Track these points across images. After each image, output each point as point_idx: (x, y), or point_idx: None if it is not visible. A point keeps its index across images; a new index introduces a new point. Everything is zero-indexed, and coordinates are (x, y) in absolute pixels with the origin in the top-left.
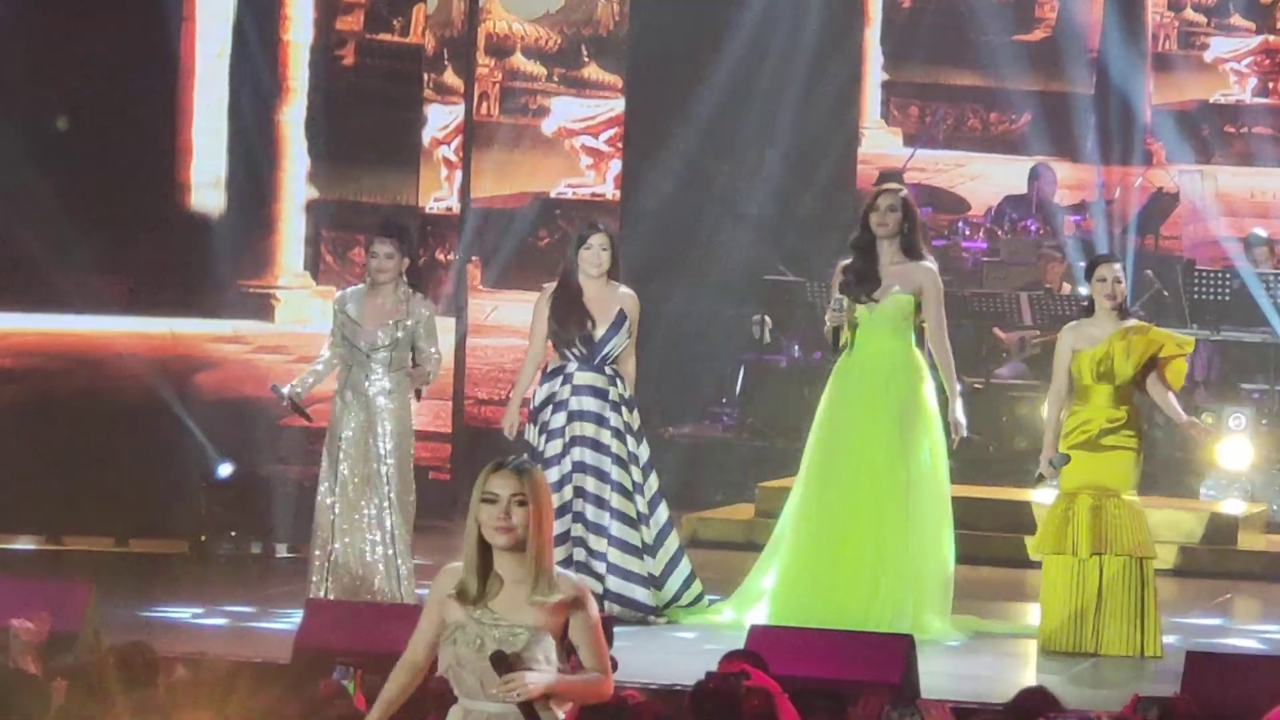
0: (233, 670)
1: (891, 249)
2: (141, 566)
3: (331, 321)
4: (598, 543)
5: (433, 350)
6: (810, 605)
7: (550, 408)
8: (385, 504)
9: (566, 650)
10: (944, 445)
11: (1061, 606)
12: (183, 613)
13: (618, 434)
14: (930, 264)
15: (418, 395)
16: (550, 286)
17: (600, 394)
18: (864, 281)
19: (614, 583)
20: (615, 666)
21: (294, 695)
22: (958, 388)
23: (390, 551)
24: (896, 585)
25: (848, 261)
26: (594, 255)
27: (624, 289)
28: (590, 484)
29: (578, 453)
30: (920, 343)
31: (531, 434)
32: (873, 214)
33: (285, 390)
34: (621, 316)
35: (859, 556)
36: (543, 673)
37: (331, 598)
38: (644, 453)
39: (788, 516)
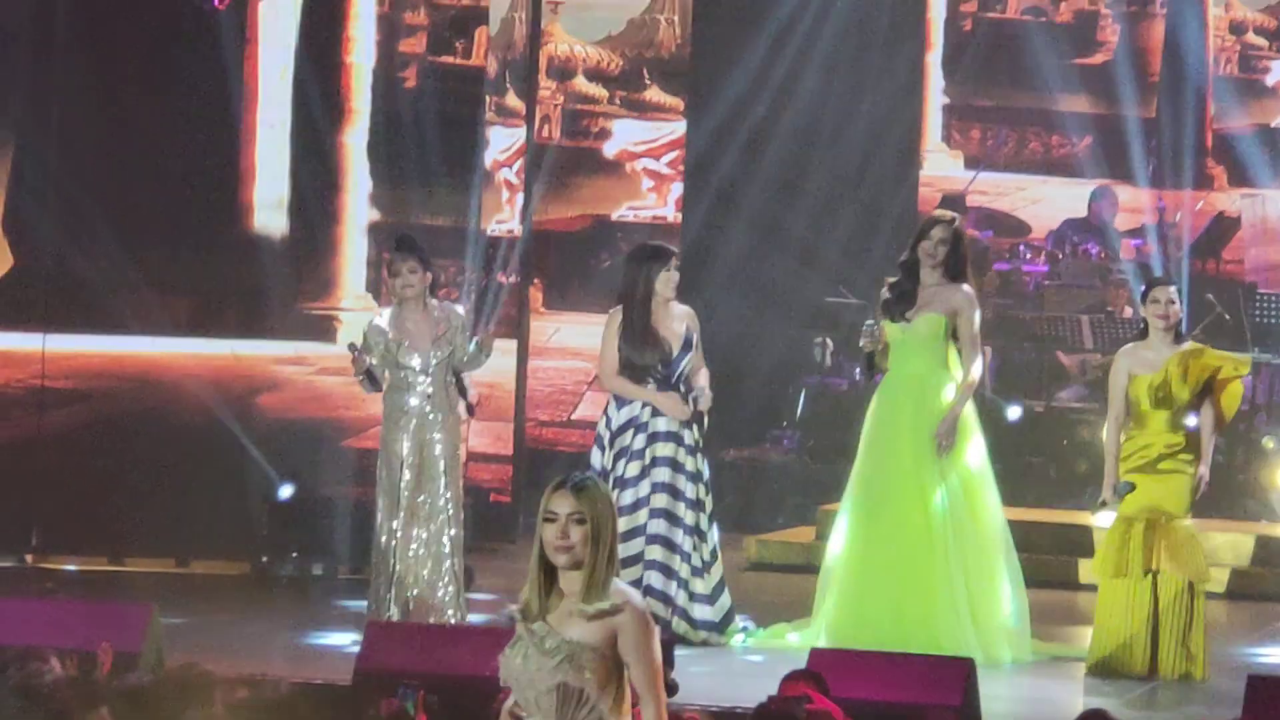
0: (293, 691)
1: (935, 274)
2: (203, 587)
3: (368, 350)
4: (674, 562)
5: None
6: (863, 631)
7: (632, 430)
8: (443, 521)
9: (624, 668)
10: (987, 465)
11: (1116, 628)
12: (244, 634)
13: (692, 451)
14: (968, 288)
15: (470, 411)
16: (616, 311)
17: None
18: (902, 300)
19: (688, 603)
20: (675, 689)
21: (355, 716)
22: (960, 408)
23: (450, 566)
24: (949, 609)
25: (894, 280)
26: (672, 276)
27: (681, 306)
28: (668, 503)
29: (658, 473)
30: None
31: (600, 457)
32: (924, 242)
33: (364, 357)
34: (689, 335)
35: (908, 582)
36: None
37: (393, 618)
38: (706, 470)
39: (836, 543)
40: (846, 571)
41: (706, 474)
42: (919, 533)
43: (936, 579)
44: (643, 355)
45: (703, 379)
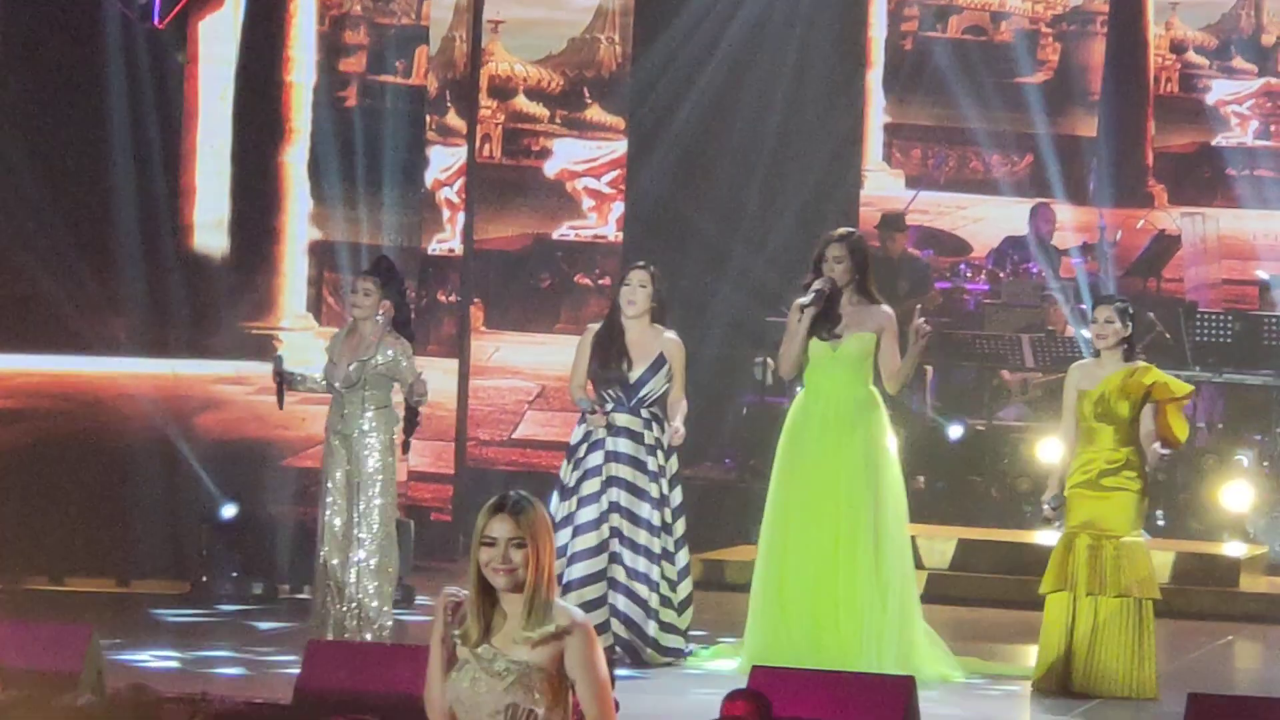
0: (234, 712)
1: (847, 292)
2: (143, 607)
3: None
4: (635, 585)
5: (412, 382)
6: (796, 649)
7: (586, 446)
8: (378, 540)
9: (570, 686)
10: (902, 485)
11: (1056, 645)
12: (184, 654)
13: (654, 477)
14: (887, 307)
15: (409, 425)
16: (593, 325)
17: (635, 437)
18: (824, 321)
19: (652, 628)
20: (616, 707)
21: None
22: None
23: (386, 584)
24: (873, 625)
25: (805, 300)
26: (630, 292)
27: (669, 334)
28: (625, 527)
29: (614, 494)
30: (876, 382)
31: (565, 472)
32: (823, 264)
33: (285, 369)
34: (661, 360)
35: (828, 598)
36: None
37: (331, 638)
38: (676, 497)
39: (760, 561)
40: (767, 593)
41: (676, 501)
42: (847, 548)
43: (860, 599)
44: (605, 368)
45: (678, 416)
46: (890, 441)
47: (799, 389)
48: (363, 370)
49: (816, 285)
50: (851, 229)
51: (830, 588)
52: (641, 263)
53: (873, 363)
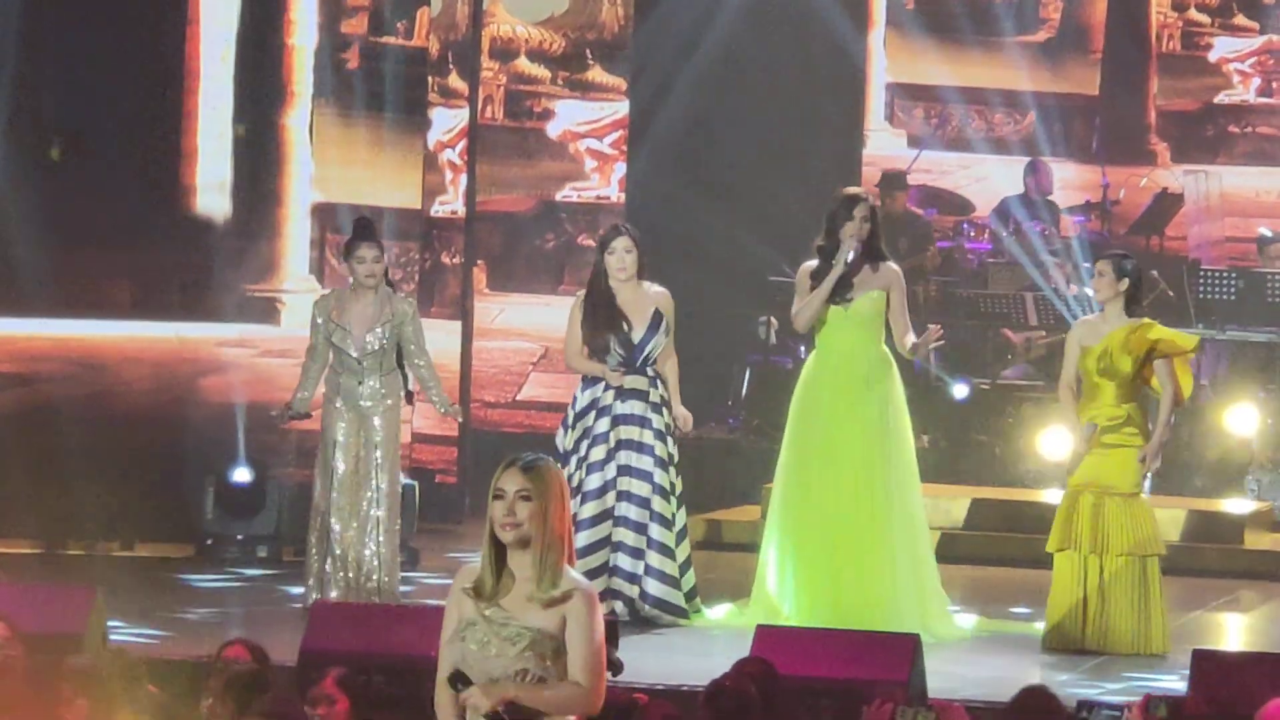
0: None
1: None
2: (147, 570)
3: (313, 329)
4: (638, 540)
5: (420, 363)
6: (813, 608)
7: (594, 413)
8: (381, 503)
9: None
10: (913, 445)
11: (1064, 602)
12: (189, 616)
13: (660, 435)
14: (894, 264)
15: (409, 397)
16: (581, 293)
17: (642, 396)
18: (842, 282)
19: (653, 586)
20: (620, 668)
21: (300, 698)
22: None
23: (385, 550)
24: (891, 584)
25: (814, 264)
26: (618, 260)
27: (656, 288)
28: (634, 486)
29: (623, 456)
30: (888, 341)
31: (563, 438)
32: (846, 223)
33: (291, 412)
34: (658, 316)
35: (848, 557)
36: (497, 687)
37: (333, 598)
38: (676, 455)
39: (772, 521)
40: (787, 548)
41: (676, 459)
42: (865, 506)
43: (880, 557)
44: (602, 335)
45: (671, 373)
46: (904, 402)
47: (809, 350)
48: (383, 337)
49: (851, 246)
50: (862, 190)
51: (849, 546)
52: (621, 226)
53: (884, 321)
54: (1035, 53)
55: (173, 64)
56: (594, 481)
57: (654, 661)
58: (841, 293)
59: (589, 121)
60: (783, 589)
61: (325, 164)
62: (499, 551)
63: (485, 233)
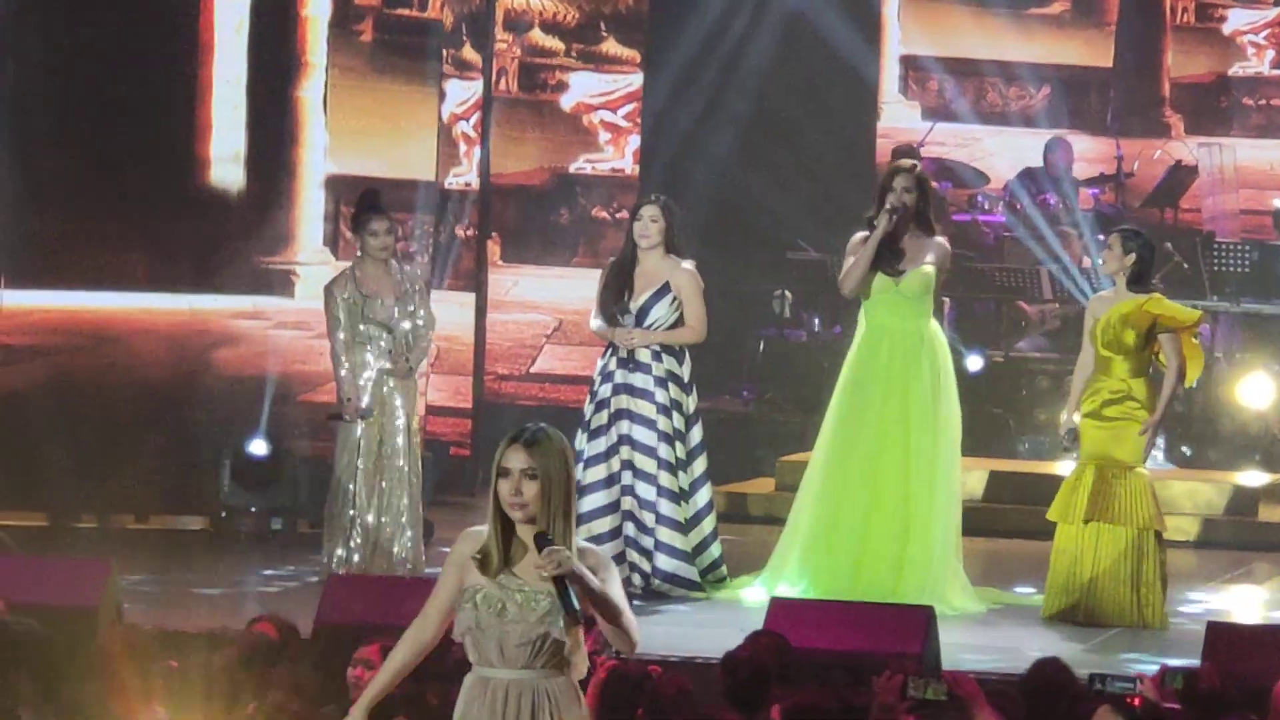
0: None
1: (908, 224)
2: (162, 543)
3: (333, 311)
4: (647, 518)
5: (420, 321)
6: (836, 580)
7: (600, 379)
8: (399, 476)
9: (588, 623)
10: (959, 419)
11: (1063, 574)
12: (204, 590)
13: (664, 409)
14: (942, 239)
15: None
16: (614, 259)
17: (643, 368)
18: (889, 252)
19: (662, 560)
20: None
21: (315, 669)
22: None
23: (404, 519)
24: (923, 558)
25: (864, 235)
26: (642, 226)
27: (686, 264)
28: (637, 459)
29: (624, 425)
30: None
31: (588, 405)
32: (890, 195)
33: (359, 410)
34: (665, 288)
35: (885, 530)
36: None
37: (351, 568)
38: (696, 434)
39: (806, 491)
40: (822, 517)
41: (695, 439)
42: (906, 480)
43: (917, 525)
44: (605, 298)
45: (673, 334)
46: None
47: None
48: (407, 306)
49: (891, 201)
50: (914, 160)
51: (885, 521)
52: (653, 196)
53: (933, 296)
54: (1050, 25)
55: (187, 36)
56: (599, 446)
57: (666, 634)
58: (891, 262)
59: (603, 94)
60: (803, 558)
61: (339, 136)
62: (506, 525)
63: (499, 205)
